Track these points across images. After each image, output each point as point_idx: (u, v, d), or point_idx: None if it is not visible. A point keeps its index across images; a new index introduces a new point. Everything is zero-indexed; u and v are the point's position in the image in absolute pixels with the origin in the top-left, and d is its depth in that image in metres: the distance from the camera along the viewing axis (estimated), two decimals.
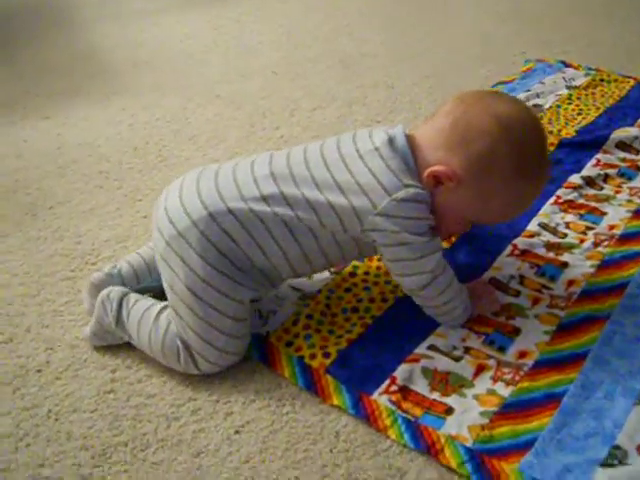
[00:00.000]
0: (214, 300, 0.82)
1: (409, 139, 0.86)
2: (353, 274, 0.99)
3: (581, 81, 1.54)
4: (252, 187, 0.84)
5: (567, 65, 1.63)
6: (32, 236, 1.13)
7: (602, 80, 1.55)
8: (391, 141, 0.85)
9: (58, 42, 1.96)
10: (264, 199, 0.83)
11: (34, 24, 2.11)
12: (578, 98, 1.47)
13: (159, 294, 0.91)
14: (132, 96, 1.62)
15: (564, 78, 1.55)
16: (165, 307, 0.87)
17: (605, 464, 0.71)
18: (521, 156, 0.84)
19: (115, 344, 0.90)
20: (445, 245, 1.04)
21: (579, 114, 1.41)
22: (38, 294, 1.00)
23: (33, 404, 0.83)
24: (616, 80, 1.55)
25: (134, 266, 0.95)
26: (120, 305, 0.88)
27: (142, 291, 0.94)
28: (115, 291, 0.90)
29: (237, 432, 0.79)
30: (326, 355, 0.86)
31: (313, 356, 0.86)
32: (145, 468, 0.75)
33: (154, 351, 0.86)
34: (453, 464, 0.73)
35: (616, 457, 0.72)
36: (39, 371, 0.87)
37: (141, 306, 0.88)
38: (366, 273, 0.99)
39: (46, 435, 0.79)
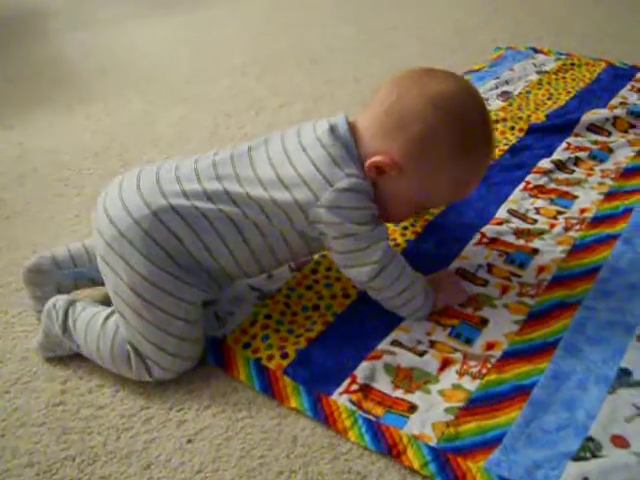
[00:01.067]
0: (161, 301, 0.78)
1: (350, 126, 0.83)
2: (315, 271, 0.95)
3: (551, 66, 1.51)
4: (195, 184, 0.81)
5: (537, 51, 1.60)
6: None
7: (573, 64, 1.52)
8: (332, 129, 0.82)
9: (26, 51, 1.93)
10: (208, 196, 0.80)
11: (2, 34, 2.08)
12: (548, 83, 1.44)
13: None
14: (97, 103, 1.58)
15: (534, 64, 1.52)
16: (112, 313, 0.83)
17: (577, 457, 0.67)
18: (461, 133, 0.81)
19: (67, 355, 0.86)
20: (411, 236, 1.00)
21: (549, 99, 1.37)
22: None
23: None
24: (587, 64, 1.52)
25: (71, 250, 0.93)
26: (66, 314, 0.84)
27: (80, 276, 0.91)
28: (61, 300, 0.86)
29: (190, 441, 0.74)
30: (284, 356, 0.82)
31: (271, 357, 0.82)
32: None
33: (104, 359, 0.82)
34: (416, 465, 0.69)
35: (589, 449, 0.68)
36: None
37: (88, 313, 0.84)
38: (328, 269, 0.95)
39: None
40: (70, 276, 0.91)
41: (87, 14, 2.22)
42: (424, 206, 0.89)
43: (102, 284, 0.89)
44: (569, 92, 1.40)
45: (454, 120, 0.80)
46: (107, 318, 0.83)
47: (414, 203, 0.86)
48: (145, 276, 0.78)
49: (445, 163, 0.81)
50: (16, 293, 0.98)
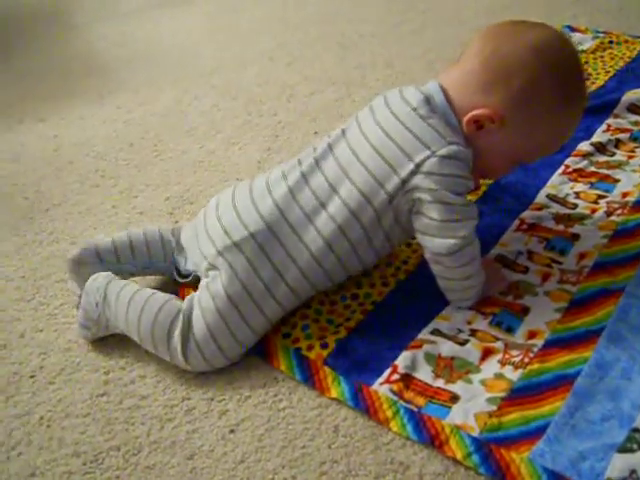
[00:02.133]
0: (246, 309, 0.81)
1: (445, 94, 0.83)
2: None
3: (589, 45, 1.47)
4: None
5: (574, 29, 1.56)
6: (28, 240, 1.11)
7: (611, 42, 1.47)
8: (428, 100, 0.82)
9: (54, 45, 1.94)
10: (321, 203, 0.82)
11: (30, 29, 2.09)
12: (586, 63, 1.40)
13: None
14: (128, 93, 1.59)
15: None
16: (155, 292, 0.84)
17: (623, 449, 0.66)
18: (565, 83, 0.82)
19: (105, 343, 0.88)
20: None
21: (587, 79, 1.34)
22: (33, 298, 0.98)
23: (25, 411, 0.81)
24: (626, 41, 1.47)
25: (115, 243, 0.92)
26: (107, 288, 0.86)
27: (121, 271, 0.91)
28: (102, 275, 0.88)
29: (232, 431, 0.75)
30: (324, 345, 0.82)
31: (310, 347, 0.82)
32: (137, 473, 0.72)
33: (142, 335, 0.82)
34: (459, 456, 0.68)
35: (635, 441, 0.67)
36: (32, 377, 0.85)
37: (131, 288, 0.86)
38: None
39: (38, 443, 0.77)
40: (112, 270, 0.92)
41: (112, 5, 2.22)
42: (521, 160, 0.89)
43: (142, 276, 0.93)
44: (608, 72, 1.36)
45: (557, 69, 0.81)
46: (153, 294, 0.84)
47: (512, 157, 0.87)
48: (246, 286, 0.80)
49: (547, 113, 0.82)
50: (57, 285, 1.00)
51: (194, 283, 0.89)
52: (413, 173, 0.79)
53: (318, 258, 0.82)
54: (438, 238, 0.80)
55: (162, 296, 0.84)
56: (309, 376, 0.79)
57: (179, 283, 0.93)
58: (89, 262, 0.91)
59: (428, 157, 0.79)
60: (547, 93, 0.81)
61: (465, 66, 0.84)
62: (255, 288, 0.81)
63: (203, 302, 0.81)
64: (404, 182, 0.79)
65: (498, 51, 0.81)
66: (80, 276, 0.91)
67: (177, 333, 0.80)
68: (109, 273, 0.88)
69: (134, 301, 0.83)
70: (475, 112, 0.81)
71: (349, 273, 0.87)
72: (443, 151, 0.79)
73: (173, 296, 0.85)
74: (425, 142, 0.79)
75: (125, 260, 0.92)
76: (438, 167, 0.79)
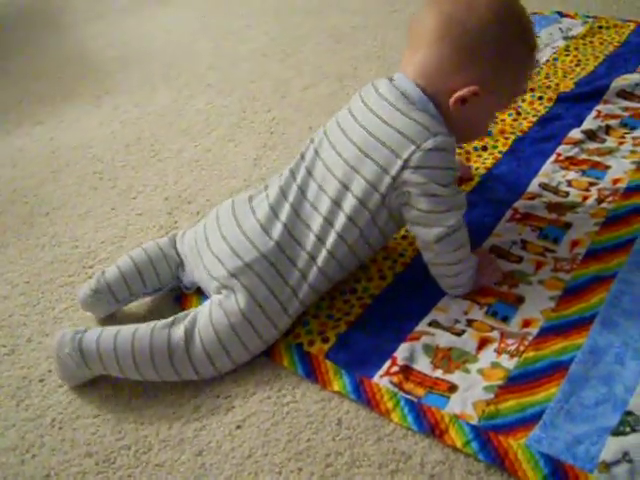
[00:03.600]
0: (260, 324, 0.82)
1: (418, 85, 0.85)
2: None
3: (578, 30, 1.48)
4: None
5: (563, 15, 1.56)
6: (30, 244, 1.13)
7: (600, 27, 1.48)
8: (404, 94, 0.84)
9: (48, 47, 1.94)
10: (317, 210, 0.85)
11: (23, 32, 2.09)
12: (576, 48, 1.41)
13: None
14: (123, 94, 1.60)
15: (560, 29, 1.49)
16: (137, 326, 0.83)
17: (617, 432, 0.69)
18: (524, 32, 0.87)
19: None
20: None
21: (577, 65, 1.35)
22: (38, 303, 1.00)
23: (37, 414, 0.83)
24: (615, 25, 1.48)
25: (125, 274, 0.92)
26: (80, 341, 0.82)
27: (134, 300, 0.94)
28: (68, 333, 0.84)
29: (238, 427, 0.78)
30: (325, 340, 0.84)
31: (312, 342, 0.84)
32: (149, 470, 0.75)
33: (141, 366, 0.81)
34: (459, 444, 0.71)
35: (628, 424, 0.69)
36: (41, 380, 0.87)
37: (109, 331, 0.83)
38: None
39: (51, 445, 0.79)
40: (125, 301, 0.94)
41: (103, 5, 2.22)
42: (500, 111, 0.97)
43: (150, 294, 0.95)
44: (597, 57, 1.37)
45: (518, 24, 0.86)
46: (136, 329, 0.82)
47: (493, 114, 0.93)
48: (262, 305, 0.82)
49: (519, 64, 0.87)
50: (61, 289, 1.02)
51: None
52: (402, 169, 0.81)
53: (324, 269, 0.84)
54: (427, 227, 0.83)
55: (145, 326, 0.83)
56: (311, 371, 0.81)
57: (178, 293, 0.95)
58: (104, 301, 0.92)
59: (414, 151, 0.80)
60: (515, 49, 0.85)
61: (430, 51, 0.84)
62: (271, 307, 0.82)
63: (216, 319, 0.82)
64: (394, 179, 0.81)
65: (463, 28, 0.82)
66: (95, 310, 0.94)
67: (181, 353, 0.81)
68: (73, 329, 0.84)
69: (121, 342, 0.81)
70: (460, 93, 0.83)
71: (348, 271, 0.89)
72: (429, 143, 0.80)
73: (152, 322, 0.83)
74: (409, 137, 0.81)
75: (136, 289, 0.93)
76: (425, 160, 0.80)
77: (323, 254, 0.84)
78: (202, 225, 0.92)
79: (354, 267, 0.90)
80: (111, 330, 0.83)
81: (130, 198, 1.21)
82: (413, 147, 0.80)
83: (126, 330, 0.83)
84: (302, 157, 0.89)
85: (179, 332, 0.81)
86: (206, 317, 0.83)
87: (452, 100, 0.83)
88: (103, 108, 1.55)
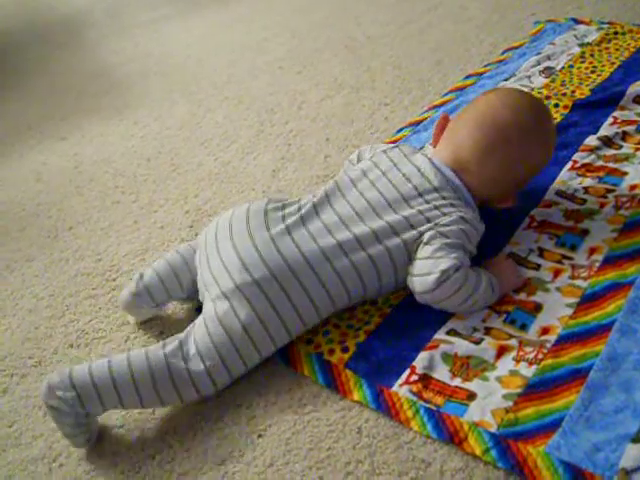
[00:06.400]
0: (261, 342, 0.83)
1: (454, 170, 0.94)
2: None
3: (594, 37, 1.48)
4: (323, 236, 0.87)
5: (578, 22, 1.57)
6: (55, 258, 1.16)
7: (616, 33, 1.48)
8: (440, 172, 0.93)
9: (69, 63, 1.99)
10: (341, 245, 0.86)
11: (45, 49, 2.15)
12: (591, 55, 1.41)
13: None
14: (143, 108, 1.64)
15: (575, 36, 1.49)
16: (129, 352, 0.82)
17: (636, 439, 0.69)
18: (545, 132, 0.98)
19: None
20: None
21: (593, 72, 1.35)
22: (63, 315, 1.02)
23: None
24: (631, 31, 1.48)
25: (163, 279, 0.93)
26: (74, 385, 0.78)
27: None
28: (55, 377, 0.79)
29: (260, 436, 0.79)
30: (345, 349, 0.85)
31: (332, 351, 0.85)
32: (173, 479, 0.76)
33: (143, 392, 0.79)
34: (478, 451, 0.71)
35: None
36: None
37: (101, 364, 0.80)
38: None
39: (77, 454, 0.81)
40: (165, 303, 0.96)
41: (123, 21, 2.27)
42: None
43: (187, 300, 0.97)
44: (613, 63, 1.37)
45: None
46: (129, 357, 0.81)
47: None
48: (265, 323, 0.82)
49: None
50: (85, 302, 1.04)
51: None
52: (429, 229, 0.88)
53: (334, 297, 0.85)
54: (420, 277, 0.85)
55: (137, 351, 0.81)
56: (331, 380, 0.82)
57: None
58: (146, 306, 0.95)
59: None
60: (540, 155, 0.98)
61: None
62: (273, 325, 0.82)
63: (214, 334, 0.81)
64: (420, 234, 0.88)
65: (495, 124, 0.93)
66: (136, 312, 0.96)
67: (180, 371, 0.80)
68: (59, 373, 0.79)
69: (117, 372, 0.79)
70: (505, 205, 0.98)
71: (352, 303, 0.90)
72: (457, 215, 0.90)
73: (143, 349, 0.82)
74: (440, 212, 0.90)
75: (174, 293, 0.94)
76: (451, 223, 0.89)
77: (337, 285, 0.85)
78: (214, 224, 0.92)
79: (359, 301, 0.90)
80: (101, 361, 0.80)
81: (152, 212, 1.23)
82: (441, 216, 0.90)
83: (119, 357, 0.81)
84: (325, 194, 0.92)
85: (175, 350, 0.81)
86: (203, 332, 0.82)
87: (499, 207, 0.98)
88: (124, 122, 1.58)
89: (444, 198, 0.90)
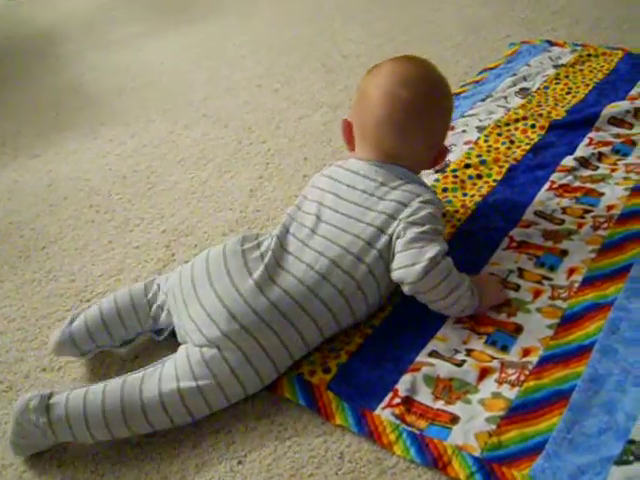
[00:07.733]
0: (249, 383, 0.82)
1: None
2: None
3: (568, 58, 1.50)
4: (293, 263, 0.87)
5: (552, 44, 1.59)
6: (27, 279, 1.13)
7: (589, 55, 1.51)
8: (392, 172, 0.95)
9: (44, 79, 1.97)
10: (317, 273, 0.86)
11: (19, 63, 2.12)
12: (566, 76, 1.43)
13: None
14: (119, 125, 1.61)
15: (550, 57, 1.51)
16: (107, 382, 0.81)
17: (620, 461, 0.69)
18: (448, 93, 1.02)
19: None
20: None
21: (568, 93, 1.37)
22: (35, 338, 1.00)
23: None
24: (604, 53, 1.51)
25: (89, 327, 0.91)
26: (47, 408, 0.79)
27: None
28: (35, 398, 0.80)
29: (240, 462, 0.77)
30: (326, 370, 0.84)
31: (313, 372, 0.84)
32: None
33: (130, 419, 0.78)
34: (462, 476, 0.70)
35: (631, 453, 0.69)
36: None
37: (78, 393, 0.80)
38: None
39: None
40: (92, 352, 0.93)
41: (99, 36, 2.25)
42: None
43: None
44: (587, 85, 1.39)
45: (443, 87, 1.01)
46: (106, 385, 0.80)
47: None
48: (252, 363, 0.81)
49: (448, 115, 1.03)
50: (57, 323, 1.01)
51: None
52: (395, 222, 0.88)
53: (323, 329, 0.85)
54: (405, 268, 0.85)
55: (117, 380, 0.81)
56: (313, 401, 0.81)
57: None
58: (69, 351, 0.92)
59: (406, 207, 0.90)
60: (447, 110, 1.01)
61: (395, 137, 0.95)
62: (262, 364, 0.81)
63: (201, 379, 0.79)
64: (391, 237, 0.87)
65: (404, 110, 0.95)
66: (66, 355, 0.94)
67: (178, 401, 0.79)
68: (39, 393, 0.80)
69: (101, 402, 0.78)
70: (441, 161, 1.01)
71: (342, 328, 0.89)
72: (422, 198, 0.91)
73: (123, 377, 0.82)
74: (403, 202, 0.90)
75: (102, 341, 0.92)
76: (418, 209, 0.89)
77: (327, 317, 0.84)
78: (189, 268, 0.90)
79: (348, 326, 0.89)
80: (78, 394, 0.80)
81: (127, 231, 1.21)
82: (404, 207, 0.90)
83: (95, 387, 0.81)
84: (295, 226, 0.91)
85: (152, 386, 0.79)
86: (187, 373, 0.80)
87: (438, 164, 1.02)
88: (99, 140, 1.56)
89: (394, 188, 0.91)
